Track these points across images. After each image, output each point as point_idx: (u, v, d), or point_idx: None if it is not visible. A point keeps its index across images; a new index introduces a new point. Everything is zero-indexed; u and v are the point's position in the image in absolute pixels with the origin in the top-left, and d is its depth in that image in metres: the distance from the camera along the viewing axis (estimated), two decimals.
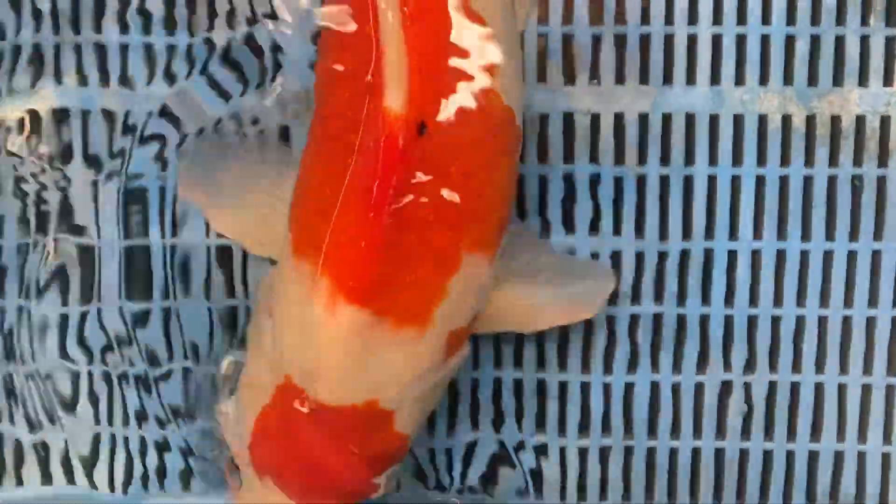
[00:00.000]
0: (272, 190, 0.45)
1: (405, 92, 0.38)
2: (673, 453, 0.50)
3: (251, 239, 0.47)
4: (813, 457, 0.50)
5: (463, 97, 0.40)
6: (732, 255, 0.49)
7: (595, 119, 0.49)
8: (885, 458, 0.50)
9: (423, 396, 0.43)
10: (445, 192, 0.40)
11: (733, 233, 0.49)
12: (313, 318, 0.41)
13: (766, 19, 0.48)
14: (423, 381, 0.42)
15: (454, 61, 0.40)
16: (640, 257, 0.49)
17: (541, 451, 0.50)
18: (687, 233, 0.49)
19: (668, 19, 0.48)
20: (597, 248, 0.48)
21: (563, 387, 0.49)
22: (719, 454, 0.50)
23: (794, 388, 0.50)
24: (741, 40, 0.48)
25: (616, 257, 0.49)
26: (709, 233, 0.49)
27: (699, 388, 0.50)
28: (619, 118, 0.49)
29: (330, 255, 0.40)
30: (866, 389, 0.50)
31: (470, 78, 0.40)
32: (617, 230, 0.49)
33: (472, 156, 0.41)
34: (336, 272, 0.40)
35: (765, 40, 0.48)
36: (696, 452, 0.50)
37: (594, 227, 0.49)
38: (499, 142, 0.41)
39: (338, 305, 0.40)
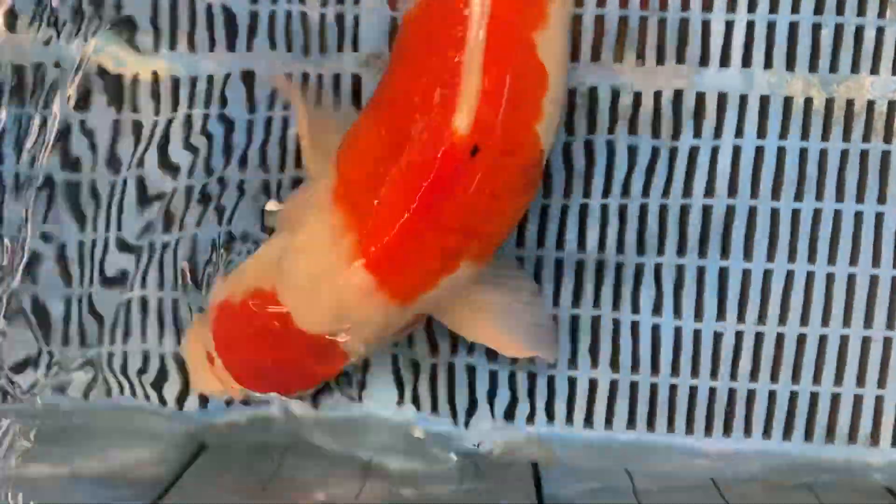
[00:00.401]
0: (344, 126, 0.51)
1: (472, 120, 0.45)
2: (693, 391, 0.57)
3: (310, 143, 0.53)
4: (813, 399, 0.56)
5: (513, 134, 0.46)
6: (752, 214, 0.55)
7: (637, 95, 0.55)
8: (878, 400, 0.56)
9: (374, 347, 0.51)
10: (474, 208, 0.47)
11: (754, 194, 0.55)
12: (327, 261, 0.47)
13: (795, 9, 0.54)
14: (381, 339, 0.50)
15: (513, 101, 0.45)
16: (664, 211, 0.55)
17: (572, 382, 0.58)
18: (710, 192, 0.55)
19: (707, 6, 0.54)
20: (626, 202, 0.55)
21: (595, 321, 0.57)
22: (732, 393, 0.57)
23: (801, 339, 0.56)
24: (771, 28, 0.54)
25: (643, 211, 0.55)
26: (731, 193, 0.55)
27: (717, 336, 0.56)
28: (658, 95, 0.55)
29: (366, 223, 0.47)
30: (866, 341, 0.56)
31: (522, 119, 0.46)
32: (646, 192, 0.55)
33: (505, 183, 0.47)
34: (366, 238, 0.46)
35: (793, 28, 0.54)
36: (712, 391, 0.57)
37: (626, 190, 0.55)
38: (528, 177, 0.48)
39: (354, 263, 0.47)
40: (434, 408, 0.57)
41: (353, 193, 0.47)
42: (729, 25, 0.54)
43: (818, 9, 0.53)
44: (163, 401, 0.57)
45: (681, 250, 0.56)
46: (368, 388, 0.57)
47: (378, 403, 0.57)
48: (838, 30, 0.53)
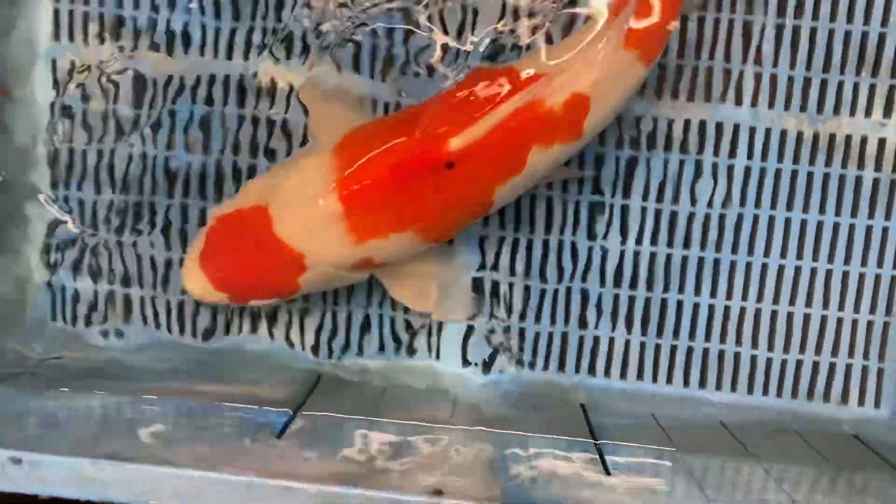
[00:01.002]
0: (352, 107, 0.67)
1: (460, 147, 0.59)
2: (705, 353, 0.71)
3: (318, 110, 0.68)
4: (798, 365, 0.71)
5: (488, 166, 0.61)
6: (756, 220, 0.70)
7: (671, 122, 0.71)
8: (847, 368, 0.70)
9: (322, 281, 0.64)
10: (443, 198, 0.61)
11: (758, 204, 0.70)
12: (313, 185, 0.60)
13: (792, 66, 0.69)
14: (330, 274, 0.63)
15: (493, 148, 0.60)
16: (691, 215, 0.70)
17: (611, 343, 0.72)
18: (726, 202, 0.70)
19: (727, 58, 0.70)
20: (660, 206, 0.70)
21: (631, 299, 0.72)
22: (737, 356, 0.71)
23: (790, 316, 0.70)
24: (773, 78, 0.69)
25: (673, 214, 0.70)
26: (742, 203, 0.70)
27: (727, 310, 0.70)
28: (687, 123, 0.71)
29: (351, 170, 0.60)
30: (840, 321, 0.70)
31: (499, 158, 0.61)
32: (675, 200, 0.70)
33: (470, 191, 0.62)
34: (347, 179, 0.60)
35: (791, 79, 0.69)
36: (720, 354, 0.71)
37: (660, 197, 0.70)
38: (491, 197, 0.63)
39: (332, 192, 0.60)
40: (500, 363, 0.72)
41: (351, 151, 0.61)
42: (742, 74, 0.69)
43: (808, 66, 0.69)
44: (290, 343, 0.72)
45: (702, 245, 0.71)
46: (443, 349, 0.73)
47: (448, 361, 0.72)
48: (823, 82, 0.69)
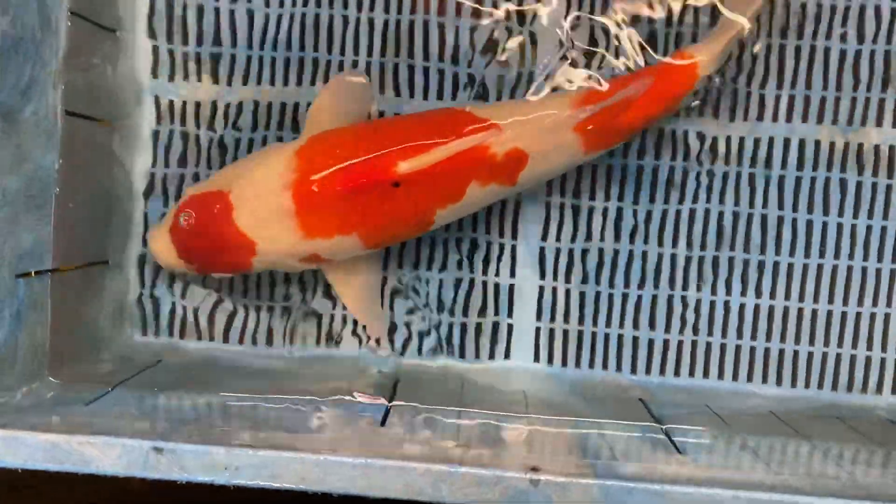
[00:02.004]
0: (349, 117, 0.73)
1: (407, 171, 0.67)
2: (752, 350, 0.77)
3: (320, 105, 0.73)
4: (838, 359, 0.77)
5: (430, 190, 0.68)
6: (794, 223, 0.76)
7: (715, 139, 0.78)
8: (882, 362, 0.77)
9: (278, 265, 0.71)
10: (386, 211, 0.68)
11: (795, 208, 0.76)
12: (271, 181, 0.67)
13: (825, 87, 0.76)
14: (279, 263, 0.70)
15: (441, 175, 0.68)
16: (736, 216, 0.77)
17: (666, 343, 0.78)
18: (765, 205, 0.76)
19: (762, 85, 0.76)
20: (708, 206, 0.77)
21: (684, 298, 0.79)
22: (781, 353, 0.77)
23: (829, 314, 0.77)
24: (807, 97, 0.76)
25: (720, 214, 0.77)
26: (780, 208, 0.76)
27: (771, 310, 0.77)
28: (728, 139, 0.77)
29: (308, 178, 0.66)
30: (873, 316, 0.77)
31: (441, 186, 0.68)
32: (721, 200, 0.77)
33: (412, 210, 0.68)
34: (302, 179, 0.66)
35: (823, 99, 0.76)
36: (766, 351, 0.77)
37: (708, 198, 0.77)
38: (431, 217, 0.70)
39: (290, 198, 0.67)
40: (564, 362, 0.79)
41: (312, 155, 0.67)
42: (779, 97, 0.76)
43: (838, 87, 0.76)
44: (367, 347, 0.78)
45: (745, 248, 0.78)
46: (512, 350, 0.79)
47: (518, 360, 0.79)
48: (854, 99, 0.76)
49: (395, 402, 0.68)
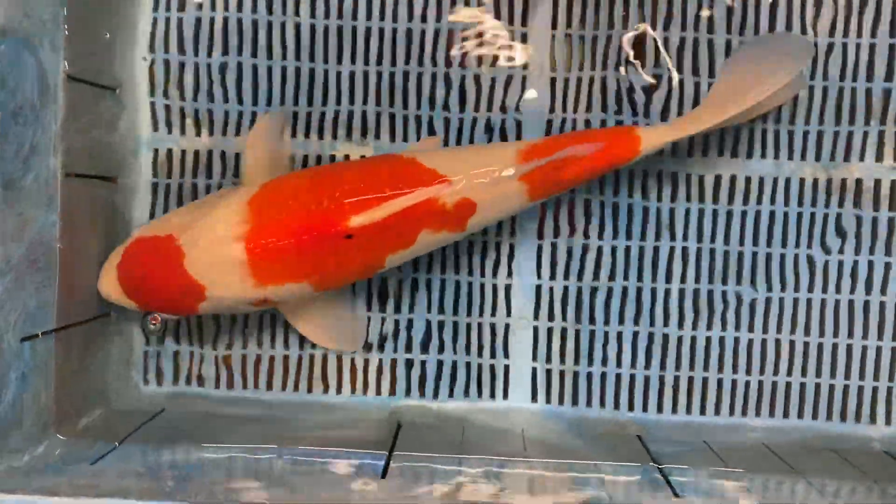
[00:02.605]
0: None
1: (359, 225, 0.68)
2: (747, 384, 0.79)
3: (253, 157, 0.75)
4: (831, 390, 0.78)
5: (381, 241, 0.70)
6: (783, 258, 0.78)
7: (701, 178, 0.79)
8: (874, 391, 0.78)
9: (226, 309, 0.73)
10: (338, 261, 0.69)
11: (783, 243, 0.78)
12: (223, 232, 0.69)
13: (807, 121, 0.77)
14: (232, 307, 0.72)
15: (391, 226, 0.69)
16: (727, 253, 0.79)
17: (662, 381, 0.79)
18: (755, 241, 0.78)
19: (751, 121, 0.78)
20: (700, 245, 0.79)
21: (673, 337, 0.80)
22: (774, 385, 0.80)
23: (820, 347, 0.78)
24: (791, 133, 0.78)
25: (712, 251, 0.78)
26: (769, 243, 0.78)
27: (764, 343, 0.78)
28: (718, 177, 0.79)
29: (260, 229, 0.68)
30: (865, 349, 0.78)
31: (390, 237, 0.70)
32: (713, 238, 0.78)
33: (363, 258, 0.70)
34: (255, 237, 0.68)
35: (805, 134, 0.78)
36: (760, 384, 0.78)
37: (699, 237, 0.79)
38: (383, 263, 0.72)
39: (242, 248, 0.68)
40: (561, 400, 0.80)
41: (264, 205, 0.69)
42: (765, 132, 0.78)
43: (821, 121, 0.78)
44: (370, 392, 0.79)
45: (737, 283, 0.79)
46: (510, 390, 0.80)
47: (516, 400, 0.80)
48: (836, 134, 0.78)
49: (395, 452, 0.69)
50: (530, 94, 0.78)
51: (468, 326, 0.79)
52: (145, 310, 0.75)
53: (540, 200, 0.74)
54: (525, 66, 0.78)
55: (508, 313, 0.80)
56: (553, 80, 0.78)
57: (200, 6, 0.78)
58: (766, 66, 0.72)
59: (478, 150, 0.74)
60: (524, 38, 0.78)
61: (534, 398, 0.80)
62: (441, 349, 0.79)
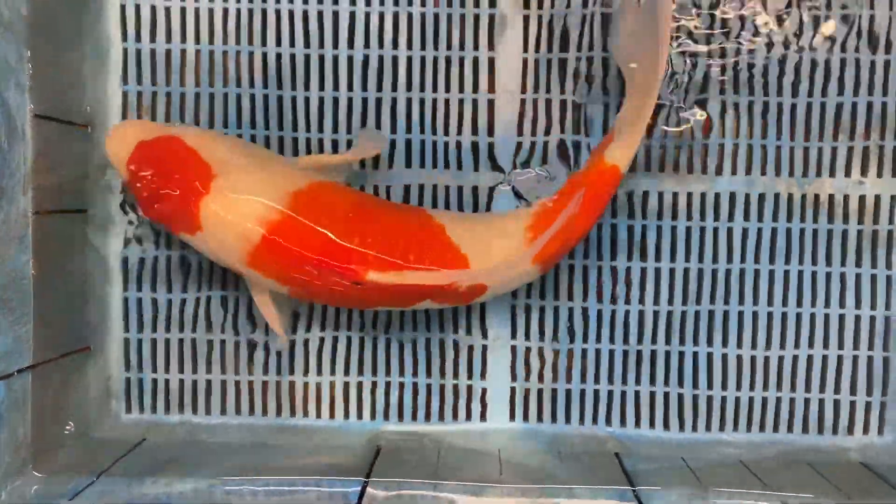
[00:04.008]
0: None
1: (365, 275, 0.68)
2: (723, 400, 0.79)
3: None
4: (807, 403, 0.79)
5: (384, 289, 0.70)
6: (756, 274, 0.78)
7: (675, 194, 0.80)
8: (851, 404, 0.78)
9: (212, 252, 0.70)
10: (333, 289, 0.69)
11: (756, 259, 0.78)
12: (253, 210, 0.68)
13: (778, 136, 0.78)
14: (221, 253, 0.70)
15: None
16: (700, 272, 0.79)
17: (637, 396, 0.80)
18: (729, 259, 0.78)
19: (720, 135, 0.78)
20: (673, 265, 0.79)
21: (654, 354, 0.81)
22: (751, 400, 0.80)
23: (794, 360, 0.79)
24: (764, 148, 0.78)
25: (686, 272, 0.79)
26: (742, 260, 0.78)
27: (739, 359, 0.79)
28: (689, 195, 0.79)
29: (288, 224, 0.68)
30: (840, 359, 0.78)
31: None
32: (687, 258, 0.79)
33: (358, 298, 0.70)
34: (281, 227, 0.68)
35: (778, 150, 0.78)
36: (737, 400, 0.79)
37: (672, 257, 0.79)
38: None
39: (261, 230, 0.68)
40: (539, 418, 0.80)
41: (302, 209, 0.68)
42: (736, 147, 0.78)
43: (792, 137, 0.78)
44: (351, 416, 0.80)
45: (712, 300, 0.79)
46: (488, 411, 0.80)
47: (494, 420, 0.80)
48: (806, 150, 0.78)
49: (371, 479, 0.70)
50: (501, 116, 0.79)
51: (442, 347, 0.80)
52: (136, 195, 0.71)
53: (547, 270, 0.76)
54: (494, 89, 0.79)
55: (485, 335, 0.80)
56: (523, 102, 0.79)
57: (170, 37, 0.79)
58: (644, 38, 0.71)
59: (491, 224, 0.74)
60: (493, 62, 0.79)
61: (512, 417, 0.80)
62: (418, 372, 0.80)
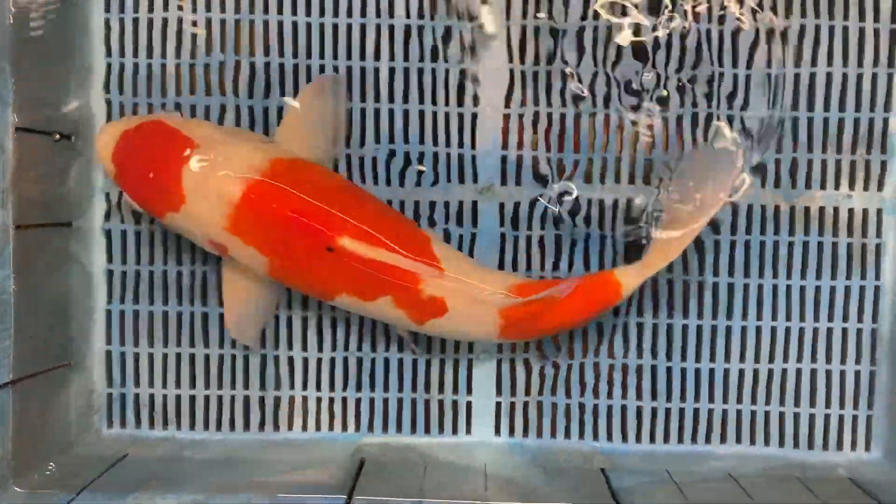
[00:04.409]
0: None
1: (339, 244, 0.68)
2: (710, 412, 0.79)
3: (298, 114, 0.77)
4: (796, 417, 0.78)
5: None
6: (746, 288, 0.78)
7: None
8: (840, 419, 0.78)
9: (187, 233, 0.71)
10: (305, 261, 0.68)
11: (746, 274, 0.78)
12: (232, 173, 0.68)
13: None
14: (195, 230, 0.70)
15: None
16: (685, 285, 0.80)
17: (624, 410, 0.80)
18: (716, 273, 0.78)
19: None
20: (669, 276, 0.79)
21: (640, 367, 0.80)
22: (739, 413, 0.79)
23: (784, 373, 0.78)
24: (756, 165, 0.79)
25: (685, 285, 0.79)
26: (731, 274, 0.78)
27: (727, 372, 0.79)
28: None
29: (263, 190, 0.67)
30: (829, 373, 0.78)
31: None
32: (670, 267, 0.80)
33: (325, 274, 0.69)
34: (255, 192, 0.67)
35: (762, 167, 0.78)
36: (724, 412, 0.78)
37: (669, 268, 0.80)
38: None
39: (239, 192, 0.67)
40: (525, 433, 0.80)
41: (285, 171, 0.69)
42: None
43: (779, 149, 0.78)
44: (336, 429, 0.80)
45: (699, 313, 0.79)
46: (473, 425, 0.80)
47: (479, 435, 0.80)
48: (794, 162, 0.78)
49: (355, 497, 0.69)
50: (484, 129, 0.78)
51: (428, 361, 0.80)
52: (118, 183, 0.72)
53: (505, 340, 0.74)
54: (478, 103, 0.79)
55: (470, 349, 0.80)
56: (507, 117, 0.78)
57: (151, 52, 0.79)
58: (703, 186, 0.72)
59: (483, 270, 0.73)
60: (477, 76, 0.78)
61: (497, 432, 0.79)
62: (403, 386, 0.79)
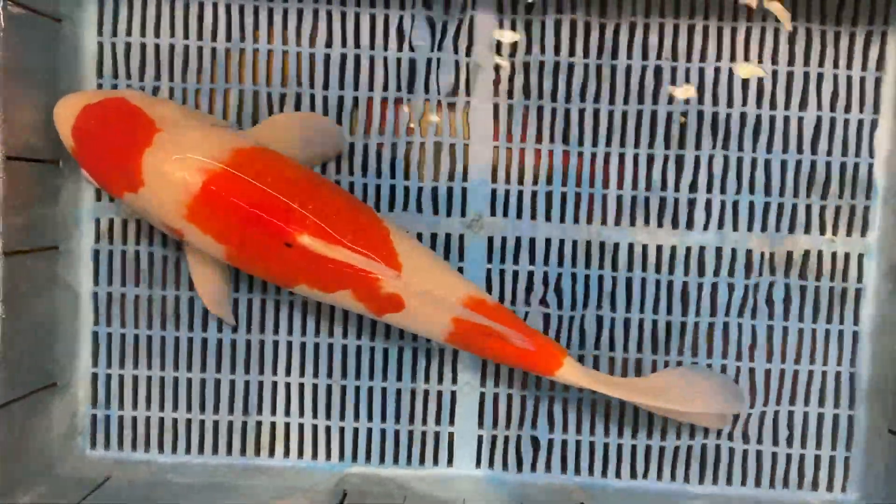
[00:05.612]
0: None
1: (295, 239, 0.68)
2: (689, 450, 0.80)
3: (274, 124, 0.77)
4: (774, 457, 0.79)
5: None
6: (726, 327, 0.79)
7: (645, 247, 0.80)
8: (816, 459, 0.79)
9: (146, 216, 0.71)
10: (264, 253, 0.68)
11: (727, 313, 0.79)
12: (195, 159, 0.67)
13: (751, 191, 0.78)
14: (153, 215, 0.70)
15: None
16: (669, 324, 0.80)
17: (607, 447, 0.81)
18: (697, 312, 0.79)
19: (692, 189, 0.78)
20: (642, 316, 0.80)
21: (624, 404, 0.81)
22: (717, 449, 0.81)
23: (762, 416, 0.80)
24: (735, 204, 0.78)
25: (654, 323, 0.79)
26: (712, 314, 0.79)
27: None
28: (659, 248, 0.79)
29: (225, 180, 0.67)
30: (806, 415, 0.79)
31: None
32: (655, 310, 0.79)
33: (284, 266, 0.69)
34: (217, 182, 0.67)
35: (751, 205, 0.78)
36: (703, 448, 0.80)
37: (642, 308, 0.79)
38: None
39: (200, 181, 0.67)
40: (505, 466, 0.80)
41: (247, 162, 0.68)
42: (709, 202, 0.78)
43: (767, 192, 0.78)
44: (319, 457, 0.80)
45: (680, 350, 0.79)
46: (455, 457, 0.81)
47: (461, 467, 0.81)
48: (780, 206, 0.78)
49: None
50: (475, 162, 0.79)
51: (412, 392, 0.80)
52: (76, 158, 0.72)
53: (452, 346, 0.74)
54: (469, 136, 0.79)
55: (454, 380, 0.80)
56: (496, 150, 0.79)
57: (143, 76, 0.79)
58: (700, 396, 0.74)
59: (442, 268, 0.73)
60: (468, 108, 0.79)
61: (478, 464, 0.80)
62: (386, 416, 0.80)
